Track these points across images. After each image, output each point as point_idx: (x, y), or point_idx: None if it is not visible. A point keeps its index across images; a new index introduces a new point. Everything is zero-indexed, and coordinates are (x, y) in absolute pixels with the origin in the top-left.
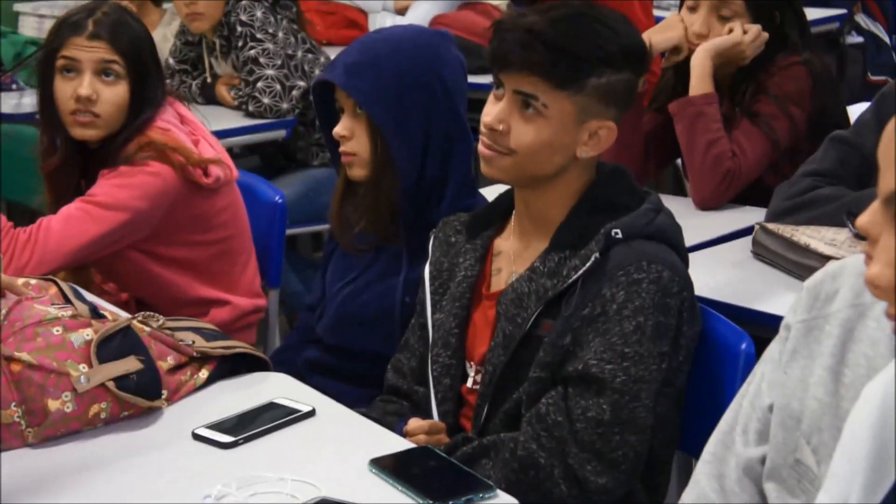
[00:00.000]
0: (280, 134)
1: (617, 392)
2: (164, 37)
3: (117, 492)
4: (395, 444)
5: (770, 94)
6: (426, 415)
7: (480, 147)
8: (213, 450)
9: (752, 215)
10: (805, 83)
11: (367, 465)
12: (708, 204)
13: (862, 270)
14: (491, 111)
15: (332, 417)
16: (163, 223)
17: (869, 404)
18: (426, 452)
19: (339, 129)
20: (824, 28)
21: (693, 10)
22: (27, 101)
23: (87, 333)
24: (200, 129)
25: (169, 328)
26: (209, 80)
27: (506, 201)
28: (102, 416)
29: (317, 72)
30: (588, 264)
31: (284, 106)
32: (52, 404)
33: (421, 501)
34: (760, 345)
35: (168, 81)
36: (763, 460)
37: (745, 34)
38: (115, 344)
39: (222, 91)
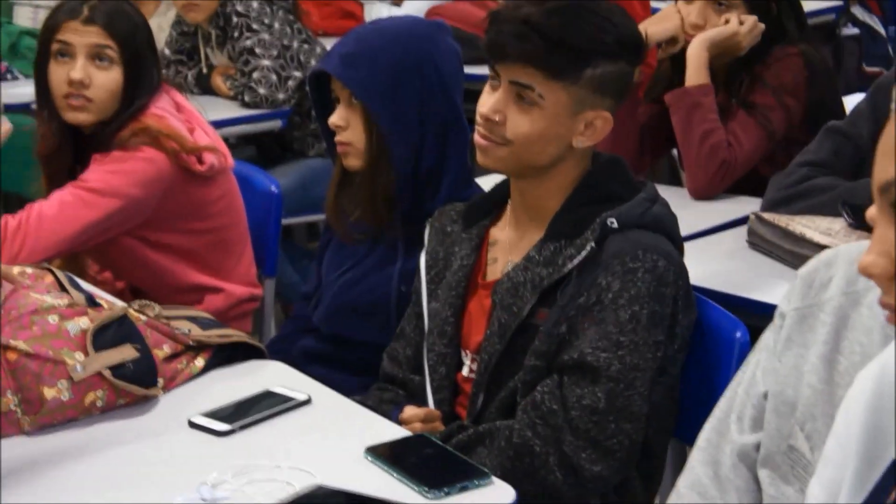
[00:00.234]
0: (276, 124)
1: (612, 380)
2: (160, 27)
3: (113, 480)
4: (390, 432)
5: (766, 84)
6: (422, 403)
7: (476, 137)
8: (209, 438)
9: (747, 205)
10: (801, 74)
11: (363, 453)
12: (703, 194)
13: (855, 258)
14: (487, 101)
15: (328, 405)
16: (157, 210)
17: (862, 390)
18: (422, 440)
19: (334, 120)
20: (820, 19)
21: (690, 1)
22: (23, 92)
23: (84, 322)
24: (196, 117)
25: (165, 317)
26: (205, 70)
27: (502, 191)
28: (98, 404)
29: (313, 62)
30: (584, 253)
31: (280, 96)
32: (49, 392)
33: (416, 489)
34: (755, 333)
35: (164, 72)
36: (757, 447)
37: (742, 25)
38: (111, 332)
39: (218, 81)
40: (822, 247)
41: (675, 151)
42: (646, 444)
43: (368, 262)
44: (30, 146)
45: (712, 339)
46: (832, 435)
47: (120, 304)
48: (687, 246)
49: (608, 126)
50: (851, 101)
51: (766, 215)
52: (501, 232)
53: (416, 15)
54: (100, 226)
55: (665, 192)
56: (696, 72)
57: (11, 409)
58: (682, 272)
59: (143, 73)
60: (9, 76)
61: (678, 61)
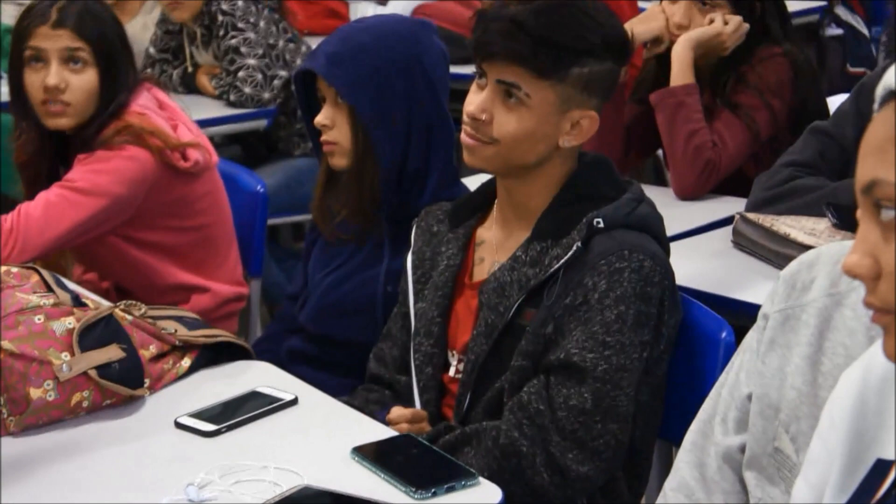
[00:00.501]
0: (261, 123)
1: (598, 381)
2: (145, 25)
3: (99, 480)
4: (377, 432)
5: (751, 85)
6: (408, 403)
7: (463, 136)
8: (195, 438)
9: (732, 205)
10: (786, 74)
11: (350, 453)
12: (688, 194)
13: (838, 259)
14: (473, 100)
15: (315, 406)
16: (142, 208)
17: (846, 390)
18: (408, 441)
19: (320, 119)
20: (804, 20)
21: (674, 0)
22: (4, 90)
23: (70, 322)
24: (179, 114)
25: (151, 317)
26: (190, 69)
27: (488, 190)
28: (85, 404)
29: (298, 61)
30: (570, 253)
31: (266, 95)
32: (34, 393)
33: (403, 489)
34: (740, 333)
35: (148, 70)
36: (742, 449)
37: (726, 25)
38: (97, 332)
39: (203, 80)
40: (806, 247)
41: (660, 151)
42: (632, 445)
43: (354, 262)
44: (11, 145)
45: (698, 339)
46: (816, 435)
47: (106, 303)
48: (672, 246)
49: (594, 125)
50: (835, 102)
51: (751, 215)
52: (488, 232)
53: (401, 14)
54: (86, 225)
55: (650, 192)
56: (680, 72)
57: None
58: (668, 272)
59: (118, 70)
60: None
61: (663, 61)
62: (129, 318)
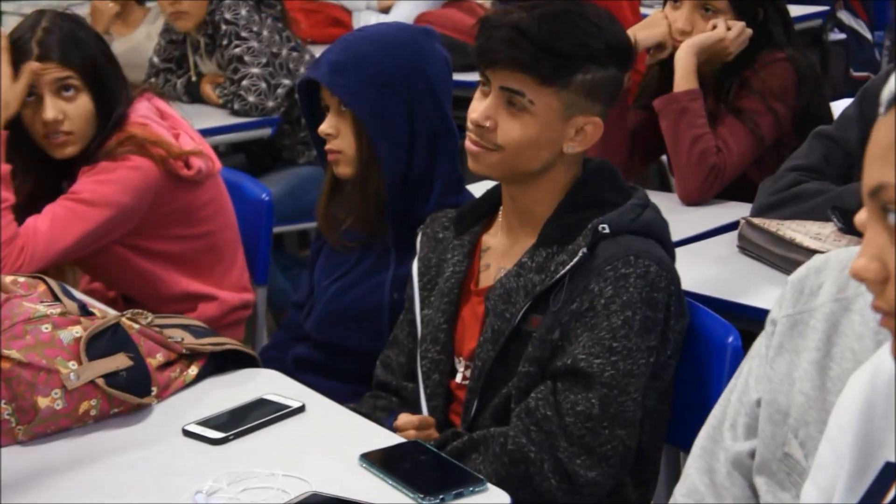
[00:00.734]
0: (265, 132)
1: (605, 386)
2: (149, 35)
3: (108, 489)
4: (384, 439)
5: (754, 90)
6: (415, 410)
7: (467, 143)
8: (203, 446)
9: (737, 210)
10: (789, 79)
11: (358, 460)
12: (693, 199)
13: (846, 264)
14: (477, 108)
15: (322, 413)
16: (147, 217)
17: (854, 393)
18: (416, 447)
19: (324, 127)
20: (807, 25)
21: (677, 6)
22: None
23: (77, 331)
24: (180, 122)
25: (158, 325)
26: (194, 78)
27: (493, 197)
28: (92, 413)
29: (302, 70)
30: (576, 259)
31: (270, 104)
32: (42, 402)
33: (411, 495)
34: (747, 338)
35: (152, 80)
36: (752, 454)
37: (729, 30)
38: (104, 341)
39: (207, 90)
40: (812, 251)
41: (664, 157)
42: (640, 450)
43: (360, 270)
44: None
45: (704, 344)
46: (825, 438)
47: (113, 312)
48: (678, 251)
49: (599, 132)
50: (839, 107)
51: (757, 220)
52: (493, 238)
53: (404, 22)
54: (92, 235)
55: (655, 197)
56: (684, 77)
57: (5, 418)
58: (674, 277)
59: (109, 87)
60: None
61: (666, 67)
62: (137, 326)
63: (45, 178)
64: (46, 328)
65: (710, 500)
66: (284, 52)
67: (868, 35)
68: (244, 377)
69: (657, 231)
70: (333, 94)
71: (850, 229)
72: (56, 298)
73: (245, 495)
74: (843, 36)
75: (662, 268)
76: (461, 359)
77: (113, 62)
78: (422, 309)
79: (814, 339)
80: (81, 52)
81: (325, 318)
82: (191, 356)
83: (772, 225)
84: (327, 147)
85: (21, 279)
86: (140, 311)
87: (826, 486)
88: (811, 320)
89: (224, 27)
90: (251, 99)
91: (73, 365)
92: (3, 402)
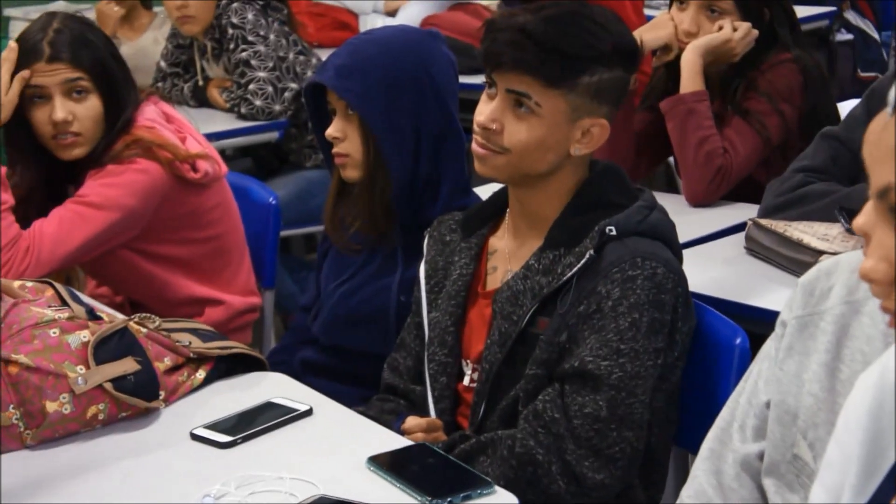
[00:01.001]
0: (273, 136)
1: (613, 388)
2: (155, 40)
3: (116, 493)
4: (392, 441)
5: (761, 91)
6: (423, 413)
7: (474, 146)
8: (211, 450)
9: (744, 211)
10: (796, 80)
11: (365, 463)
12: (700, 201)
13: (856, 267)
14: (484, 110)
15: (330, 416)
16: (154, 220)
17: (862, 394)
18: (424, 450)
19: (331, 131)
20: (814, 25)
21: (683, 8)
22: None
23: (84, 335)
24: (186, 126)
25: (165, 329)
26: (201, 82)
27: (500, 200)
28: (100, 417)
29: (308, 73)
30: (583, 261)
31: (277, 108)
32: (51, 406)
33: (419, 498)
34: (754, 339)
35: (160, 84)
36: (761, 456)
37: (735, 32)
38: (112, 345)
39: (214, 93)
40: (819, 252)
41: (671, 159)
42: (647, 452)
43: (367, 272)
44: None
45: (712, 345)
46: (833, 439)
47: (120, 316)
48: (685, 253)
49: (605, 133)
50: (846, 107)
51: (764, 221)
52: (500, 241)
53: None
54: (99, 238)
55: (662, 199)
56: (690, 79)
57: (13, 422)
58: (682, 279)
59: (119, 90)
60: None
61: (673, 69)
62: (144, 330)
63: (46, 176)
64: (54, 333)
65: (717, 502)
66: (291, 55)
67: (875, 35)
68: (252, 381)
69: (664, 233)
70: (340, 98)
71: None
72: (64, 303)
73: (253, 499)
74: (850, 36)
75: (669, 269)
76: (469, 361)
77: (122, 65)
78: (429, 312)
79: (824, 341)
80: (92, 54)
81: (332, 321)
82: (198, 360)
83: (779, 226)
84: (334, 150)
85: (29, 284)
86: (147, 315)
87: (833, 487)
88: (821, 322)
89: (231, 31)
90: (258, 103)
91: (80, 369)
92: (11, 406)
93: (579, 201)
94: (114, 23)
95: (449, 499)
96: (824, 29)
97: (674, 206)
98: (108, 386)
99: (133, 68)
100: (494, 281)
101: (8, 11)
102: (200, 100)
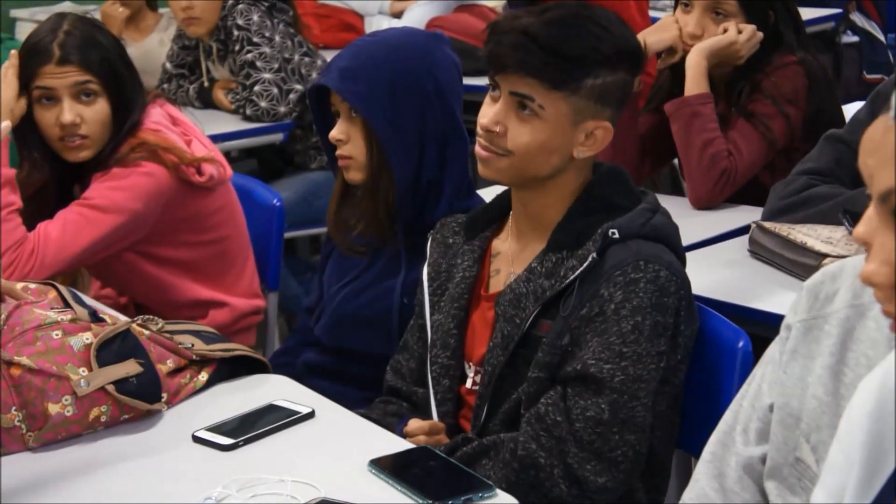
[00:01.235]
0: (277, 137)
1: (615, 391)
2: (161, 41)
3: (118, 495)
4: (394, 444)
5: (766, 93)
6: (425, 415)
7: (477, 149)
8: (213, 452)
9: (748, 214)
10: (801, 82)
11: (367, 466)
12: (704, 203)
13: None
14: (487, 113)
15: (332, 419)
16: (159, 223)
17: (865, 397)
18: (426, 453)
19: (335, 133)
20: (819, 27)
21: (687, 10)
22: None
23: (87, 337)
24: (192, 129)
25: (168, 331)
26: (206, 84)
27: (503, 202)
28: (103, 419)
29: (314, 75)
30: (585, 265)
31: (282, 109)
32: (53, 408)
33: (421, 501)
34: (757, 342)
35: (165, 86)
36: (763, 459)
37: (740, 34)
38: (114, 347)
39: (219, 95)
40: (823, 255)
41: (676, 161)
42: (650, 455)
43: (370, 274)
44: None
45: (715, 348)
46: (836, 442)
47: (123, 318)
48: (688, 256)
49: (609, 136)
50: (852, 110)
51: (768, 224)
52: (503, 243)
53: (415, 27)
54: (104, 241)
55: (666, 201)
56: (695, 81)
57: (16, 424)
58: (684, 282)
59: (127, 93)
60: None
61: (677, 71)
62: (147, 332)
63: (55, 175)
64: (57, 335)
65: None
66: (296, 57)
67: (881, 37)
68: (254, 383)
69: (667, 235)
70: (343, 100)
71: None
72: (66, 305)
73: (255, 501)
74: (856, 38)
75: (672, 272)
76: (471, 364)
77: (130, 68)
78: (432, 314)
79: (828, 345)
80: (101, 57)
81: (335, 322)
82: (201, 362)
83: (783, 229)
84: (338, 153)
85: (32, 286)
86: (150, 317)
87: (835, 489)
88: (826, 325)
89: (236, 33)
90: (263, 104)
91: (83, 371)
92: (13, 408)
93: (582, 204)
94: (119, 24)
95: (450, 502)
96: (830, 31)
97: (678, 208)
98: (111, 388)
99: (138, 70)
100: (497, 283)
101: (14, 12)
102: (206, 101)
